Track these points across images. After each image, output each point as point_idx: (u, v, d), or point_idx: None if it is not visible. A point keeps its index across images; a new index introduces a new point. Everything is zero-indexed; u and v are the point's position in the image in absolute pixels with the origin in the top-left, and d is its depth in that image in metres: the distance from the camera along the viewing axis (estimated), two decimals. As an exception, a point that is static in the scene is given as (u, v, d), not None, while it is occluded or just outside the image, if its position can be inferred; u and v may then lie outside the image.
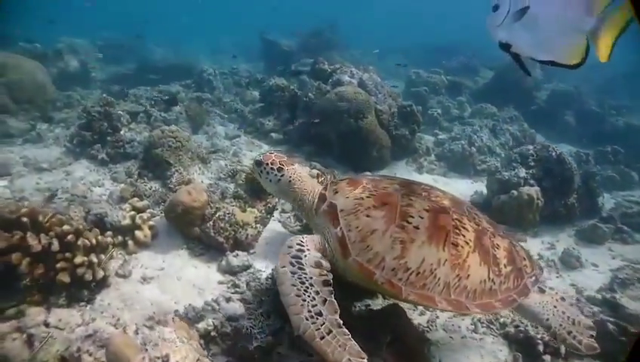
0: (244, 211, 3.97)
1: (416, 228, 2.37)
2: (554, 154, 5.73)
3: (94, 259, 3.05)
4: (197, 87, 10.20)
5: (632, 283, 4.01)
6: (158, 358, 2.27)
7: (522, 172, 5.70)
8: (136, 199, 4.17)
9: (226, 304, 3.10)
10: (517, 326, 3.36)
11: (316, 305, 2.12)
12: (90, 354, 2.52)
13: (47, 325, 2.69)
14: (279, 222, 4.61)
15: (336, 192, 2.62)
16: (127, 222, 3.76)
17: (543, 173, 5.69)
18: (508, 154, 7.14)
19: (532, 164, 5.80)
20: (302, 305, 2.10)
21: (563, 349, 3.05)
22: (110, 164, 5.55)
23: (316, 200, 2.69)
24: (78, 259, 2.95)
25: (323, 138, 6.64)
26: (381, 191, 2.55)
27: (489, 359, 3.13)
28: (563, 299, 2.80)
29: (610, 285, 4.12)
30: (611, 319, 3.30)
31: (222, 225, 3.75)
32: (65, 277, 2.86)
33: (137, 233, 3.73)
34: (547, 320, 2.67)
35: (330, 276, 2.31)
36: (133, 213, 3.85)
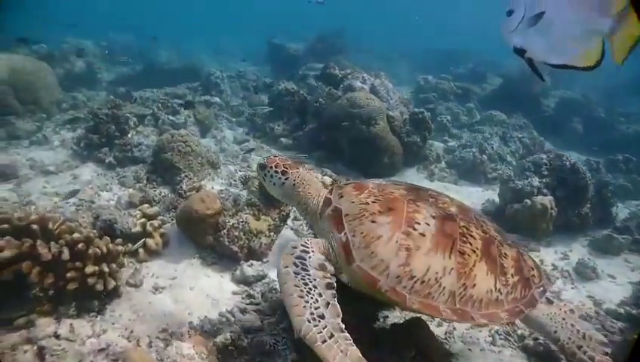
0: (257, 219, 3.88)
1: (423, 235, 2.30)
2: (568, 163, 5.67)
3: (105, 269, 2.95)
4: (204, 90, 9.99)
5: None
6: (177, 376, 2.18)
7: (536, 181, 5.63)
8: (146, 205, 4.07)
9: (241, 315, 3.00)
10: (536, 339, 3.24)
11: (319, 307, 2.04)
12: (104, 370, 2.42)
13: (57, 337, 2.59)
14: (291, 229, 4.52)
15: (342, 196, 2.54)
16: (137, 229, 3.67)
17: (557, 183, 5.61)
18: (520, 162, 7.04)
19: (545, 173, 5.73)
20: (304, 306, 2.02)
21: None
22: (118, 168, 5.46)
23: (321, 204, 2.62)
24: (89, 269, 2.85)
25: (333, 144, 6.57)
26: (387, 197, 2.47)
27: (510, 373, 3.03)
28: (572, 311, 2.69)
29: (635, 299, 4.01)
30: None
31: (236, 233, 3.66)
32: (75, 287, 2.76)
33: (149, 241, 3.63)
34: (555, 332, 2.56)
35: (334, 279, 2.24)
36: (144, 220, 3.76)
